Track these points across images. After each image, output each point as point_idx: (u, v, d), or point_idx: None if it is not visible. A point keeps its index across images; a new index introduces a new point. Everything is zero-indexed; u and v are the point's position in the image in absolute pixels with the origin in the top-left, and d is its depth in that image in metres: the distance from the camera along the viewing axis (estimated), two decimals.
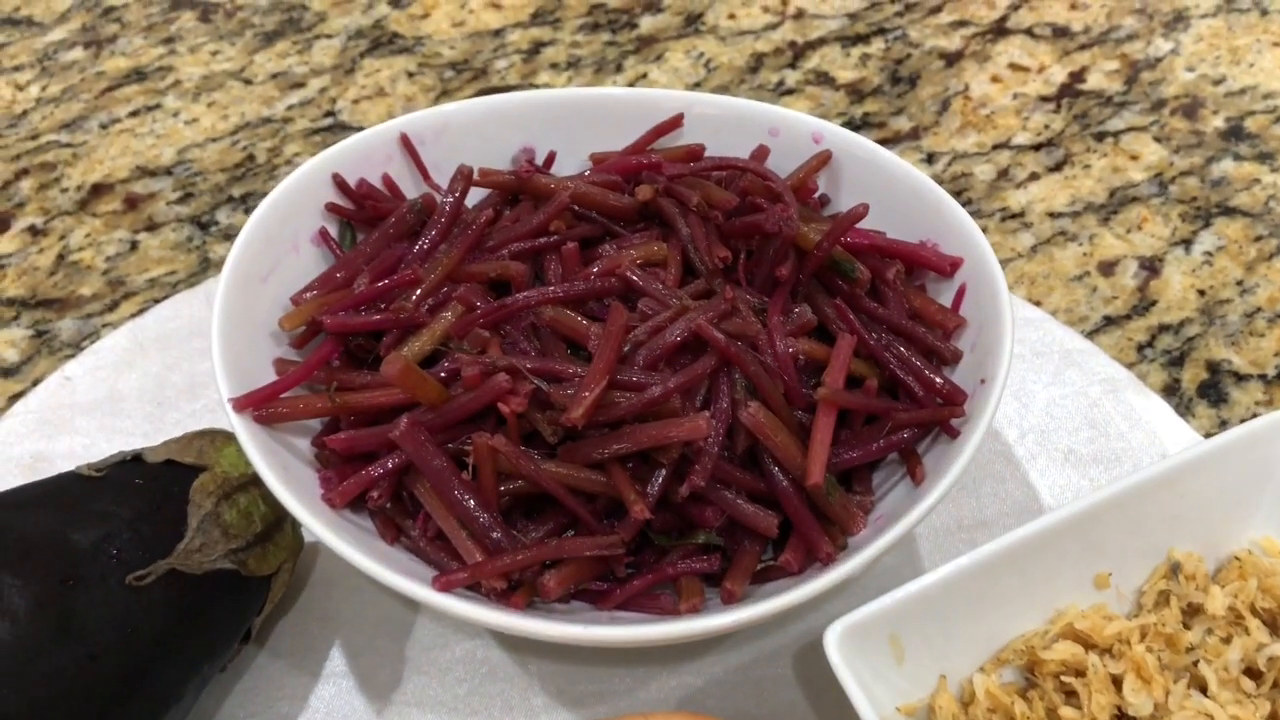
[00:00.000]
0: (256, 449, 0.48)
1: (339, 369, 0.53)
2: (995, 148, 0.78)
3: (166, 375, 0.65)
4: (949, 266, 0.55)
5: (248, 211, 0.75)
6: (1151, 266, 0.71)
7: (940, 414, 0.50)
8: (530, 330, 0.52)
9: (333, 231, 0.58)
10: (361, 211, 0.58)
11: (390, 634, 0.55)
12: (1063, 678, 0.47)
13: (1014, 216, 0.74)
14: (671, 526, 0.50)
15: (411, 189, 0.60)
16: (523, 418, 0.48)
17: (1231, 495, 0.52)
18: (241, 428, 0.48)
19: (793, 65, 0.84)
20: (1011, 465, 0.60)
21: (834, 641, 0.44)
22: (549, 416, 0.48)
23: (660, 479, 0.47)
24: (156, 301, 0.69)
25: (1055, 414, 0.62)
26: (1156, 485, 0.50)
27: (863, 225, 0.55)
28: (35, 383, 0.66)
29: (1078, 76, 0.83)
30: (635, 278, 0.52)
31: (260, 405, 0.49)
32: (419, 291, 0.53)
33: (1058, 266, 0.71)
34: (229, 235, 0.74)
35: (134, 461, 0.51)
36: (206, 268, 0.72)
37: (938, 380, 0.51)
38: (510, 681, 0.54)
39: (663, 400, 0.47)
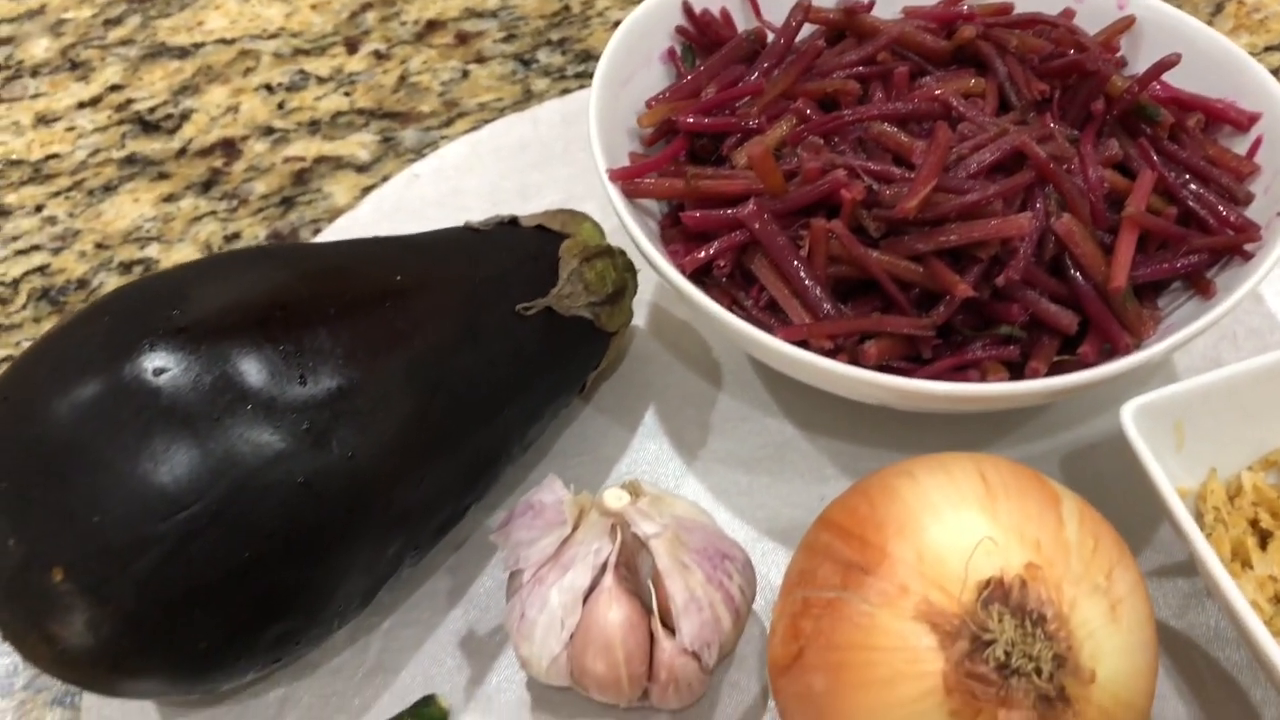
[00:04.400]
0: (628, 213, 0.56)
1: (684, 164, 0.60)
2: (1268, 49, 0.81)
3: (500, 182, 0.74)
4: (1247, 120, 0.59)
5: (564, 54, 0.83)
6: None
7: (1236, 240, 0.55)
8: (857, 144, 0.59)
9: (678, 51, 0.65)
10: (703, 37, 0.66)
11: (697, 404, 0.63)
12: None
13: None
14: (973, 325, 0.56)
15: (742, 24, 0.67)
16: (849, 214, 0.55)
17: None
18: (615, 196, 0.57)
19: None
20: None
21: (1130, 416, 0.50)
22: (875, 213, 0.55)
23: (976, 272, 0.54)
24: (487, 122, 0.79)
25: None
26: None
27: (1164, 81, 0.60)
28: (384, 179, 0.76)
29: None
30: (957, 103, 0.58)
31: (629, 179, 0.58)
32: (761, 101, 0.60)
33: None
34: (548, 72, 0.82)
35: (510, 224, 0.60)
36: (529, 98, 0.81)
37: (1231, 216, 0.56)
38: (802, 453, 0.61)
39: (983, 204, 0.54)
